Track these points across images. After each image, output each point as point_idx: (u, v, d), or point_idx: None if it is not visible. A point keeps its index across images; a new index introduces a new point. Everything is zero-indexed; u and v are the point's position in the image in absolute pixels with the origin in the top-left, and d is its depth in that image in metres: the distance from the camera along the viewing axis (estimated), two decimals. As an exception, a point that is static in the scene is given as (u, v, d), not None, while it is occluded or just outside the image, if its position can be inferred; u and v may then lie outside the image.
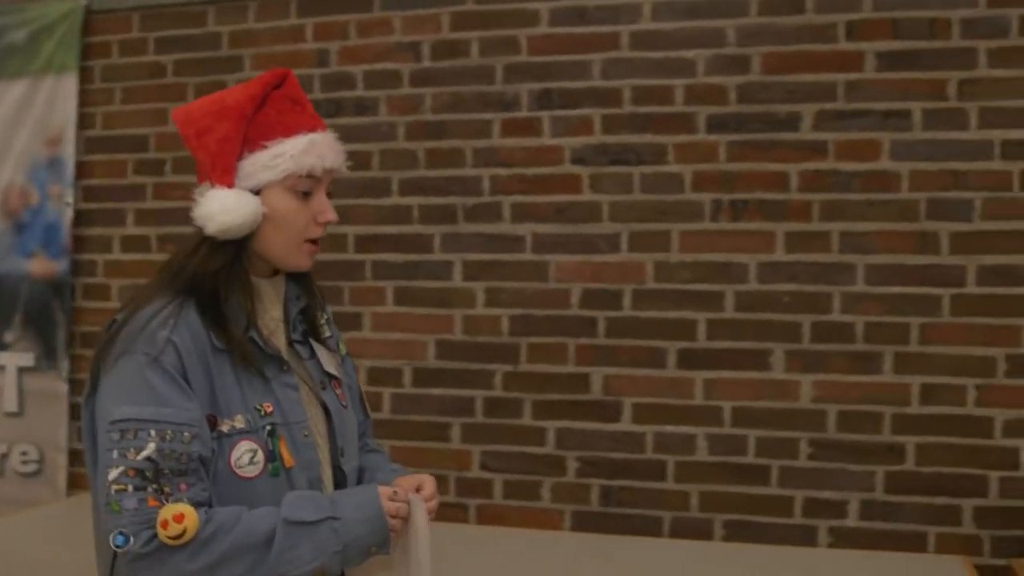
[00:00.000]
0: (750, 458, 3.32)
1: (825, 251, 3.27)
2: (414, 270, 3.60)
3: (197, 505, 1.66)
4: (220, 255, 1.79)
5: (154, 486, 1.64)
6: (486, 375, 3.53)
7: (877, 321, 3.23)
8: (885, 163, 3.23)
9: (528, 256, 3.48)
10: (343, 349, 2.08)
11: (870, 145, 3.24)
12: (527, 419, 3.49)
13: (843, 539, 3.26)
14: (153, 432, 1.65)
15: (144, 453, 1.64)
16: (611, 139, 3.42)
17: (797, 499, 3.29)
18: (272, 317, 1.89)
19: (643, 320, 3.39)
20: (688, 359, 3.37)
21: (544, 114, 3.47)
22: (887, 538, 3.22)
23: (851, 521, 3.25)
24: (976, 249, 3.17)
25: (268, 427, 1.78)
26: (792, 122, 3.29)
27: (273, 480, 1.77)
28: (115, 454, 1.66)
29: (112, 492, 1.64)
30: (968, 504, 3.18)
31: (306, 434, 1.84)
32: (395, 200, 3.61)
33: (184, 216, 3.93)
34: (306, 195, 1.82)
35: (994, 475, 3.16)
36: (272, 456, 1.77)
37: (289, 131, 1.80)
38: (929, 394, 3.20)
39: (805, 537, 3.28)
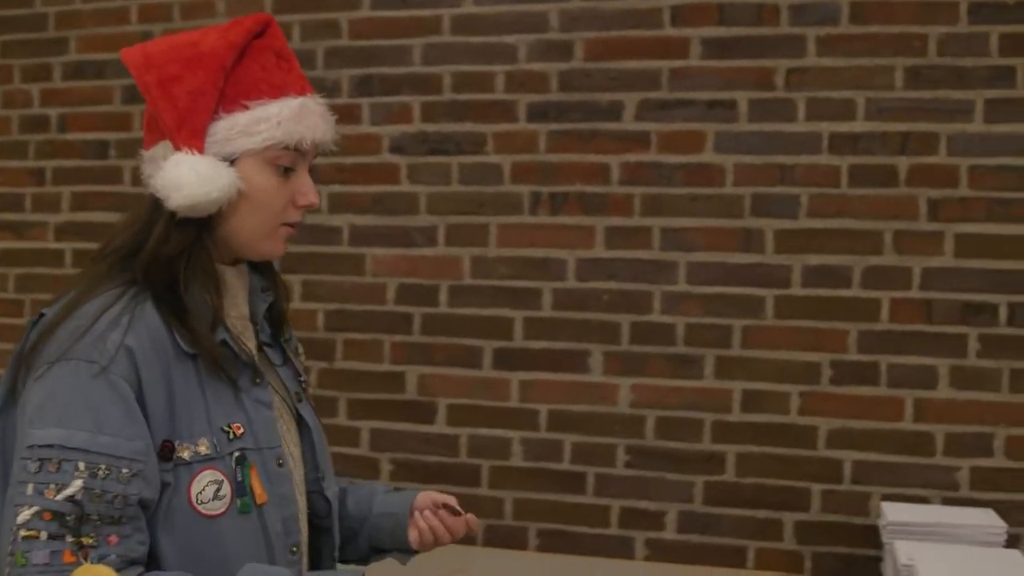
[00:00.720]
0: (566, 464, 2.80)
1: (646, 248, 2.73)
2: (230, 262, 3.06)
3: (130, 564, 1.21)
4: (179, 236, 1.31)
5: (74, 536, 1.17)
6: (301, 373, 3.00)
7: (698, 323, 2.70)
8: (709, 156, 2.71)
9: (345, 249, 2.94)
10: (302, 356, 1.58)
11: (694, 136, 2.71)
12: (342, 418, 2.94)
13: (660, 552, 2.71)
14: (82, 465, 1.19)
15: (66, 492, 1.17)
16: (430, 127, 2.87)
17: (614, 509, 2.75)
18: (239, 314, 1.41)
19: (459, 317, 2.85)
20: (504, 359, 2.81)
21: (364, 101, 2.93)
22: (705, 552, 2.69)
23: (668, 533, 2.73)
24: (801, 248, 2.64)
25: (237, 453, 1.32)
26: (614, 111, 2.76)
27: (241, 519, 1.31)
28: (30, 489, 1.18)
29: (19, 539, 1.17)
30: (789, 518, 2.65)
31: (280, 463, 1.38)
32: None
33: (10, 201, 3.53)
34: (287, 171, 1.36)
35: (817, 488, 2.64)
36: (241, 489, 1.31)
37: (276, 91, 1.34)
38: (751, 401, 2.67)
39: (621, 549, 2.74)
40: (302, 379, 1.51)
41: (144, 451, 1.23)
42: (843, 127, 2.64)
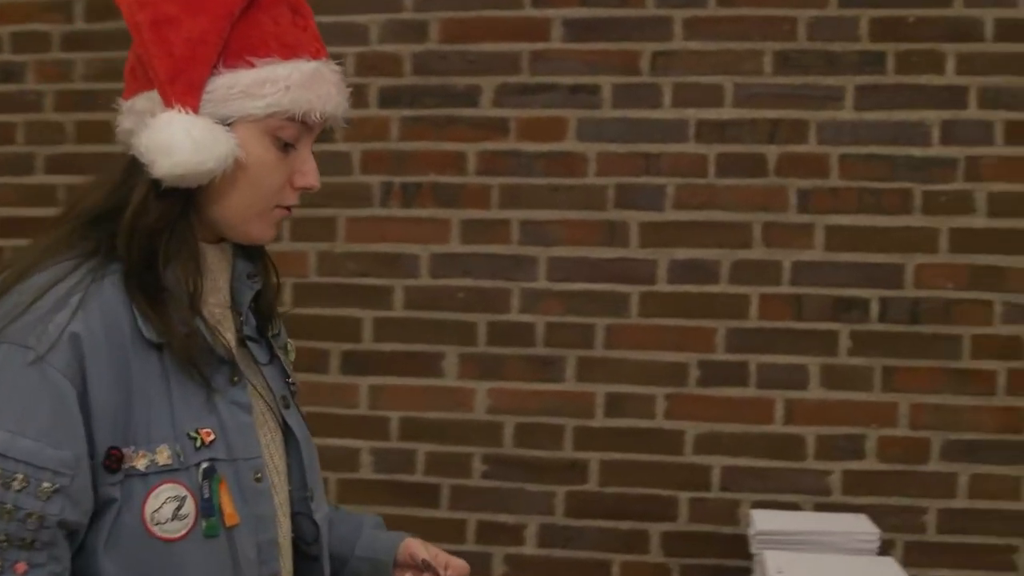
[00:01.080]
0: (419, 476, 2.54)
1: (504, 242, 2.49)
2: (57, 259, 2.75)
3: None
4: (161, 208, 1.09)
5: None
6: (135, 380, 2.70)
7: (559, 321, 2.47)
8: (571, 144, 2.49)
9: (182, 244, 2.68)
10: (292, 353, 1.32)
11: (555, 123, 2.48)
12: (179, 430, 2.68)
13: (520, 568, 2.46)
14: None
15: None
16: (275, 113, 2.65)
17: (470, 523, 2.49)
18: (218, 301, 1.17)
19: (304, 318, 2.55)
20: (352, 363, 2.53)
21: (204, 84, 2.69)
22: (567, 567, 2.45)
23: (528, 548, 2.48)
24: (667, 242, 2.44)
25: (205, 464, 1.08)
26: (471, 96, 2.52)
27: (206, 544, 1.07)
28: None
29: None
30: (656, 529, 2.44)
31: (258, 477, 1.13)
32: (41, 179, 2.69)
33: None
34: (287, 147, 1.12)
35: (684, 496, 2.44)
36: (208, 508, 1.07)
37: (287, 51, 1.11)
38: (615, 404, 2.44)
39: (479, 566, 2.49)
40: (291, 381, 1.27)
41: (72, 463, 1.00)
42: (711, 114, 2.45)
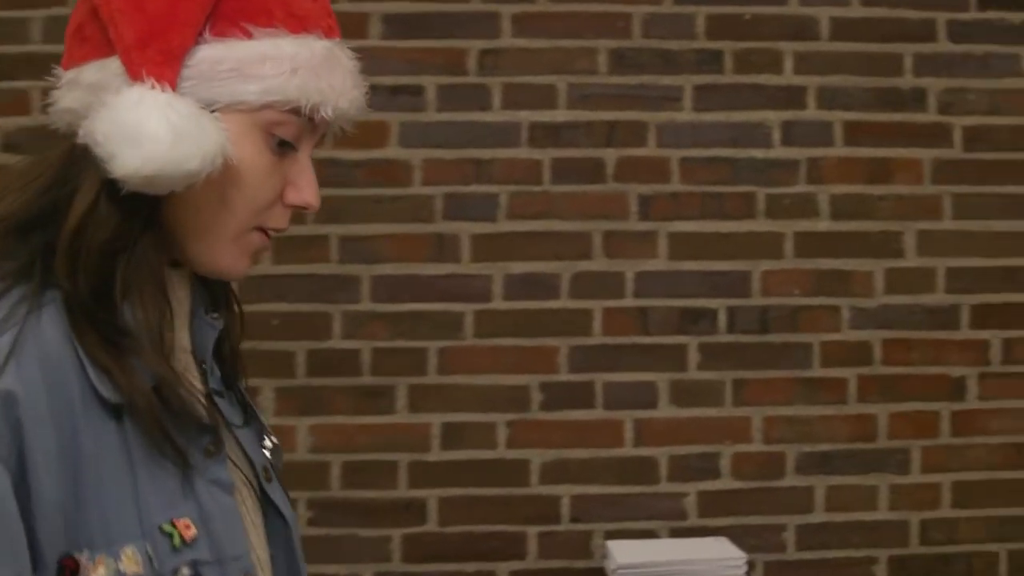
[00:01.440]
0: (235, 528, 2.28)
1: (322, 260, 2.22)
2: None
3: None
4: (119, 219, 0.78)
5: None
6: None
7: (387, 347, 2.23)
8: (393, 150, 2.25)
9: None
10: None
11: (375, 128, 2.23)
12: None
13: (354, 623, 2.26)
14: None
15: None
16: (54, 121, 2.31)
17: None
18: (181, 345, 0.87)
19: (94, 354, 2.29)
20: None
21: (-32, 89, 2.31)
22: (407, 618, 2.26)
23: (363, 600, 2.26)
24: (502, 255, 2.23)
25: (187, 571, 0.77)
26: (281, 99, 2.31)
27: None
28: None
29: None
30: (504, 568, 2.20)
31: None
32: None
33: None
34: (283, 147, 0.84)
35: (532, 530, 2.22)
36: None
37: (297, 24, 0.83)
38: (452, 435, 2.21)
39: (307, 624, 2.27)
40: (270, 446, 0.97)
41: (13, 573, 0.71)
42: (544, 116, 2.27)
